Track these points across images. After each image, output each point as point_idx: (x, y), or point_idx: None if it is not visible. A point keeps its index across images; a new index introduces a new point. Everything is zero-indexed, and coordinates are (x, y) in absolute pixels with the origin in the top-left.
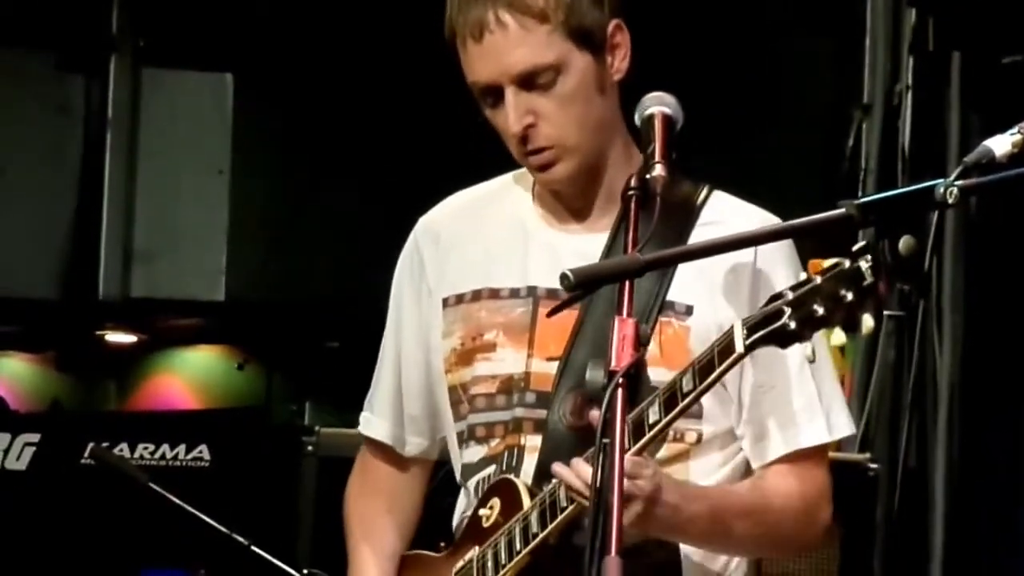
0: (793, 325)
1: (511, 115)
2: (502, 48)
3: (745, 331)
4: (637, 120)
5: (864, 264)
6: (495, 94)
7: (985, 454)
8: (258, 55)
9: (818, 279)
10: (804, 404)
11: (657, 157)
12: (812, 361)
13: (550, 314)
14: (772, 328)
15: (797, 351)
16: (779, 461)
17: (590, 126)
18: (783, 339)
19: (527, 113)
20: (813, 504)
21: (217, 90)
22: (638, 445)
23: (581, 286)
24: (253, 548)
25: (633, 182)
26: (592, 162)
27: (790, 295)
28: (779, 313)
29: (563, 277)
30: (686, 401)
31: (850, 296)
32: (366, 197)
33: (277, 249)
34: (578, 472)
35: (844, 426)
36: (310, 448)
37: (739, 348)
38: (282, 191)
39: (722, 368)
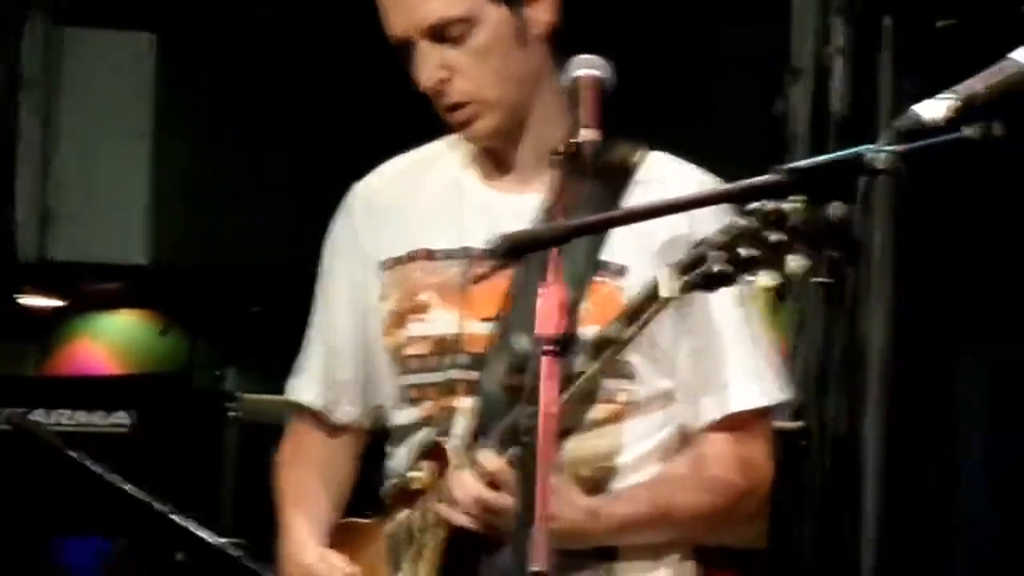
0: (719, 267)
1: (421, 69)
2: (412, 1)
3: (671, 275)
4: (564, 83)
5: (790, 206)
6: (410, 48)
7: (917, 420)
8: (182, 15)
9: (742, 222)
10: (737, 367)
11: (585, 120)
12: (741, 308)
13: (475, 281)
14: (699, 271)
15: (730, 314)
16: (716, 427)
17: (510, 80)
18: (710, 282)
19: (440, 67)
20: (756, 475)
21: (138, 50)
22: (565, 395)
23: (508, 253)
24: (173, 516)
25: (560, 147)
26: (516, 117)
27: (717, 238)
28: (705, 257)
29: (492, 243)
30: (613, 348)
31: (776, 237)
32: (292, 161)
33: (201, 213)
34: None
35: (779, 391)
36: (233, 415)
37: (666, 292)
38: (206, 154)
39: (649, 313)
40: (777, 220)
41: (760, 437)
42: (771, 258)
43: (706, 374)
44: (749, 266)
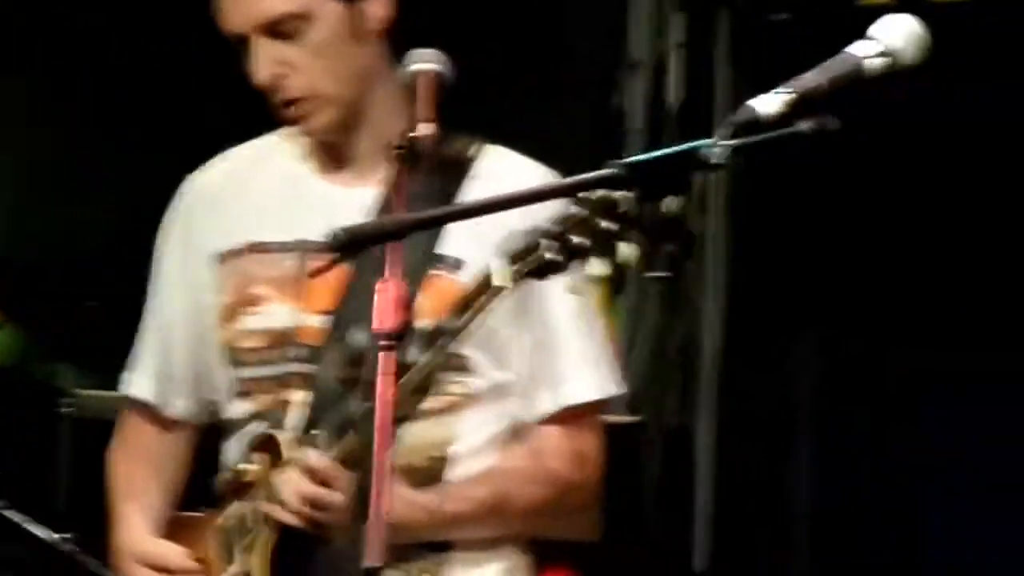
0: (550, 255)
1: (257, 65)
2: (245, 1)
3: (504, 264)
4: (401, 78)
5: (620, 195)
6: (246, 44)
7: (749, 413)
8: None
9: (575, 210)
10: (572, 361)
11: (422, 115)
12: (577, 295)
13: (313, 275)
14: (530, 259)
15: (567, 308)
16: (551, 420)
17: (346, 76)
18: (542, 270)
19: (276, 63)
20: (585, 468)
21: None
22: (399, 383)
23: (346, 248)
24: (4, 512)
25: (398, 141)
26: (353, 112)
27: (548, 227)
28: (537, 245)
29: (330, 237)
30: (445, 339)
31: (606, 225)
32: (127, 154)
33: (35, 207)
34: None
35: (613, 385)
36: (67, 410)
37: (500, 281)
38: (39, 146)
39: (482, 302)
40: (608, 208)
41: (593, 430)
42: (602, 246)
43: (542, 367)
44: (580, 254)
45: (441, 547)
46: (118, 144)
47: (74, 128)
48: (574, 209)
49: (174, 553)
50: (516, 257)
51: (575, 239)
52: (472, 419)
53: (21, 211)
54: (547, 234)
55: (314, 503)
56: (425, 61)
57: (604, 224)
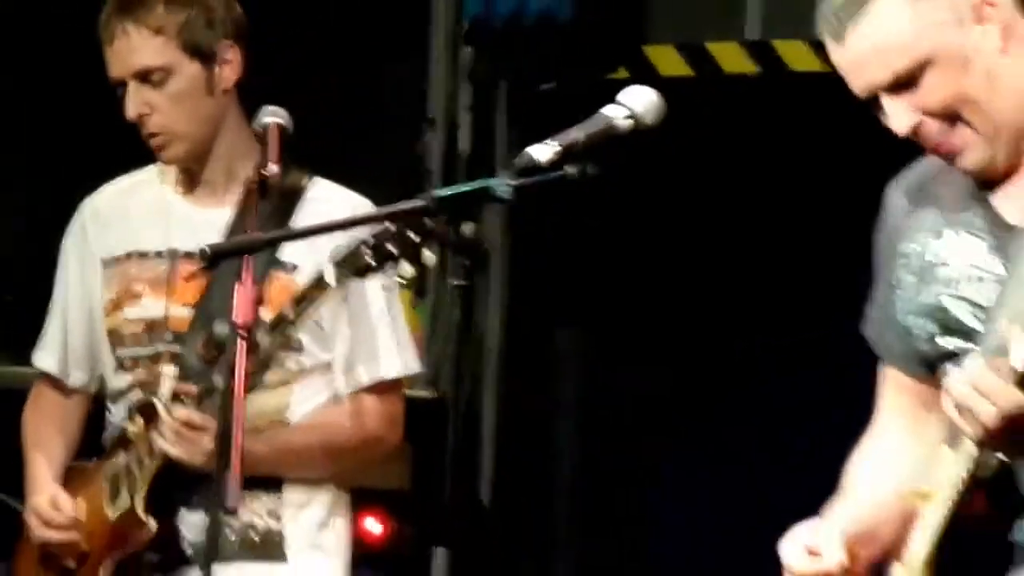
0: (369, 259)
1: (128, 104)
2: (124, 51)
3: (333, 266)
4: (256, 127)
5: (426, 216)
6: (123, 86)
7: (524, 397)
8: None
9: (391, 225)
10: (384, 344)
11: (271, 158)
12: (386, 291)
13: (187, 279)
14: (352, 263)
15: (381, 305)
16: (366, 389)
17: (197, 120)
18: (361, 271)
19: (142, 104)
20: (389, 431)
21: None
22: (259, 357)
23: (212, 260)
24: None
25: (253, 176)
26: (202, 148)
27: (368, 238)
28: (359, 251)
29: (201, 252)
30: (284, 326)
31: (413, 237)
32: (33, 169)
33: None
34: (186, 421)
35: (414, 364)
36: None
37: (329, 280)
38: None
39: (316, 298)
40: (414, 224)
41: (398, 399)
42: (410, 253)
43: (359, 348)
44: (392, 258)
45: (276, 486)
46: (26, 159)
47: None
48: (390, 225)
49: (62, 503)
50: (341, 261)
51: (389, 247)
52: (303, 390)
53: None
54: (366, 243)
55: (192, 425)
56: (273, 115)
57: (412, 236)
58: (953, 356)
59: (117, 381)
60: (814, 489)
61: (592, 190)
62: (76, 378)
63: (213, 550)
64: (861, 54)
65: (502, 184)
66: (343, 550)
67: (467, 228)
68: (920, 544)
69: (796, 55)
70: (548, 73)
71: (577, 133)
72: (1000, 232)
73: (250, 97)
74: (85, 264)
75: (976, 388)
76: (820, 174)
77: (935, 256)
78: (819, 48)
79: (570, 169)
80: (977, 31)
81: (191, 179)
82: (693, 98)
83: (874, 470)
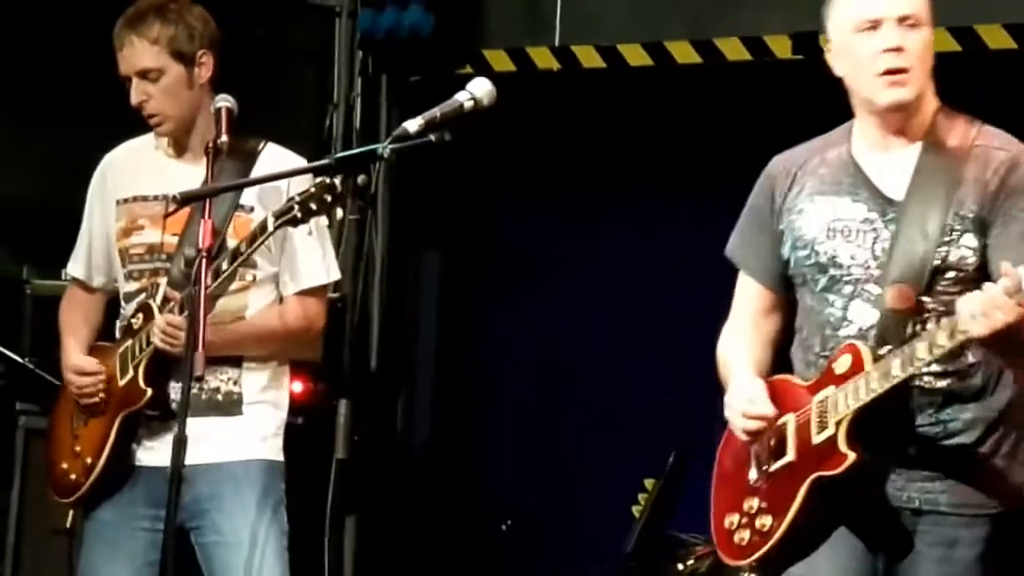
0: (298, 213)
1: (133, 94)
2: (129, 57)
3: (273, 217)
4: (211, 109)
5: (337, 182)
6: (130, 81)
7: (400, 296)
8: None
9: (312, 189)
10: (306, 261)
11: (222, 130)
12: (311, 234)
13: (166, 215)
14: (287, 216)
15: (305, 234)
16: (297, 293)
17: (182, 105)
18: (293, 222)
19: (142, 94)
20: (314, 321)
21: None
22: (216, 282)
23: (182, 202)
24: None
25: (210, 144)
26: (186, 124)
27: (298, 198)
28: (292, 207)
29: (174, 197)
30: (242, 257)
31: (329, 199)
32: (65, 133)
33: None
34: (169, 322)
35: (335, 273)
36: (28, 291)
37: (269, 227)
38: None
39: (261, 238)
40: (330, 189)
41: (321, 300)
42: (327, 210)
43: (290, 265)
44: (315, 214)
45: (237, 362)
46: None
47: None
48: (313, 189)
49: (91, 363)
50: (279, 214)
51: (311, 205)
52: (256, 295)
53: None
54: (298, 202)
55: (174, 326)
56: (223, 100)
57: (328, 198)
58: (809, 281)
59: (127, 287)
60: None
61: (445, 154)
62: (97, 281)
63: (186, 405)
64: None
65: (384, 148)
66: (283, 403)
67: (360, 179)
68: (840, 405)
69: (588, 57)
70: (416, 69)
71: (436, 111)
72: (880, 201)
73: (220, 86)
74: (104, 203)
75: (985, 305)
76: (608, 158)
77: (828, 211)
78: (606, 52)
79: (431, 136)
80: None
81: (178, 145)
82: (517, 88)
83: (745, 350)
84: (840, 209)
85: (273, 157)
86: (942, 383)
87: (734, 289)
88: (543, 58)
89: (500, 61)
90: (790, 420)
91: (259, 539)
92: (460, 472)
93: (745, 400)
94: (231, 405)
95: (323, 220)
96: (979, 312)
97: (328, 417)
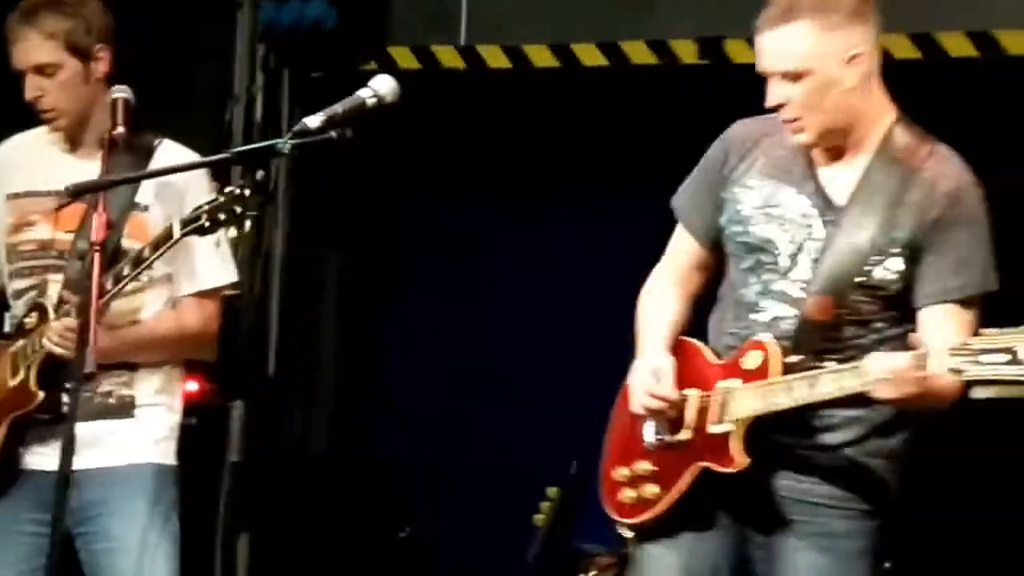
0: (205, 223)
1: (27, 89)
2: (24, 51)
3: (180, 224)
4: (107, 100)
5: (248, 194)
6: (24, 75)
7: (298, 295)
8: None
9: (222, 199)
10: (210, 260)
11: (118, 122)
12: (219, 245)
13: (58, 208)
14: (195, 225)
15: (205, 241)
16: (193, 295)
17: (77, 101)
18: (201, 231)
19: (37, 89)
20: (211, 323)
21: None
22: (117, 288)
23: (74, 194)
24: None
25: (106, 136)
26: (80, 119)
27: (206, 207)
28: (200, 216)
29: (66, 189)
30: (144, 264)
31: (239, 210)
32: None
33: None
34: (66, 327)
35: (231, 276)
36: None
37: (176, 234)
38: None
39: (167, 244)
40: (239, 199)
41: (217, 302)
42: (235, 221)
43: (188, 267)
44: (223, 224)
45: (131, 367)
46: None
47: None
48: (222, 199)
49: None
50: (187, 222)
51: (220, 216)
52: (151, 296)
53: None
54: (206, 211)
55: (69, 330)
56: (120, 92)
57: (238, 209)
58: (735, 256)
59: (16, 284)
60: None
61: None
62: None
63: (76, 406)
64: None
65: (285, 143)
66: (176, 406)
67: (259, 175)
68: (742, 410)
69: (494, 57)
70: (319, 65)
71: (338, 107)
72: (823, 202)
73: (117, 78)
74: None
75: (895, 373)
76: (512, 159)
77: (769, 196)
78: (511, 53)
79: (333, 133)
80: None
81: (72, 140)
82: (423, 85)
83: (662, 311)
84: (782, 196)
85: (170, 153)
86: None
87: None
88: (448, 57)
89: (405, 58)
90: (693, 397)
91: (149, 545)
92: (359, 476)
93: (651, 375)
94: (123, 408)
95: (232, 232)
96: (886, 379)
97: (223, 418)
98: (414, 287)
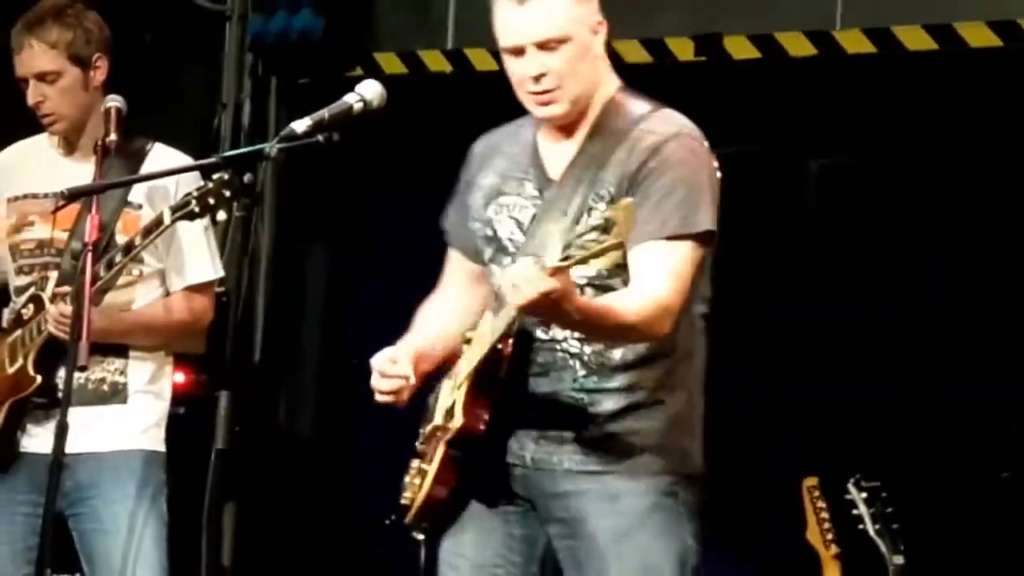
0: (196, 208)
1: (29, 95)
2: (27, 59)
3: (170, 211)
4: (101, 108)
5: (236, 179)
6: (26, 82)
7: (284, 292)
8: None
9: (210, 184)
10: (198, 256)
11: (110, 129)
12: (207, 229)
13: (55, 210)
14: (185, 210)
15: (197, 232)
16: (183, 289)
17: (76, 107)
18: (190, 216)
19: (39, 95)
20: (201, 317)
21: None
22: (109, 274)
23: (70, 198)
24: None
25: (99, 143)
26: (79, 124)
27: (195, 193)
28: (189, 202)
29: (61, 193)
30: (135, 250)
31: (227, 194)
32: None
33: None
34: (61, 312)
35: (220, 269)
36: None
37: (166, 220)
38: None
39: (158, 231)
40: (228, 184)
41: (204, 296)
42: (225, 205)
43: (177, 260)
44: (212, 209)
45: (123, 355)
46: None
47: None
48: (210, 185)
49: None
50: (176, 208)
51: (209, 200)
52: (143, 289)
53: None
54: (195, 196)
55: (65, 317)
56: (113, 100)
57: (225, 192)
58: (482, 252)
59: (17, 281)
60: None
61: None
62: None
63: (68, 394)
64: (536, 18)
65: (272, 147)
66: (166, 394)
67: (247, 177)
68: (464, 369)
69: (482, 60)
70: (306, 71)
71: (324, 112)
72: (542, 180)
73: (109, 87)
74: None
75: (519, 278)
76: None
77: (497, 188)
78: (499, 55)
79: (319, 137)
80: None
81: (70, 145)
82: (408, 90)
83: (434, 316)
84: (510, 186)
85: (160, 156)
86: (588, 349)
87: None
88: (435, 61)
89: (391, 64)
90: (444, 386)
91: (137, 527)
92: (343, 465)
93: (386, 359)
94: (116, 395)
95: (220, 216)
96: (513, 286)
97: (210, 408)
98: (395, 284)
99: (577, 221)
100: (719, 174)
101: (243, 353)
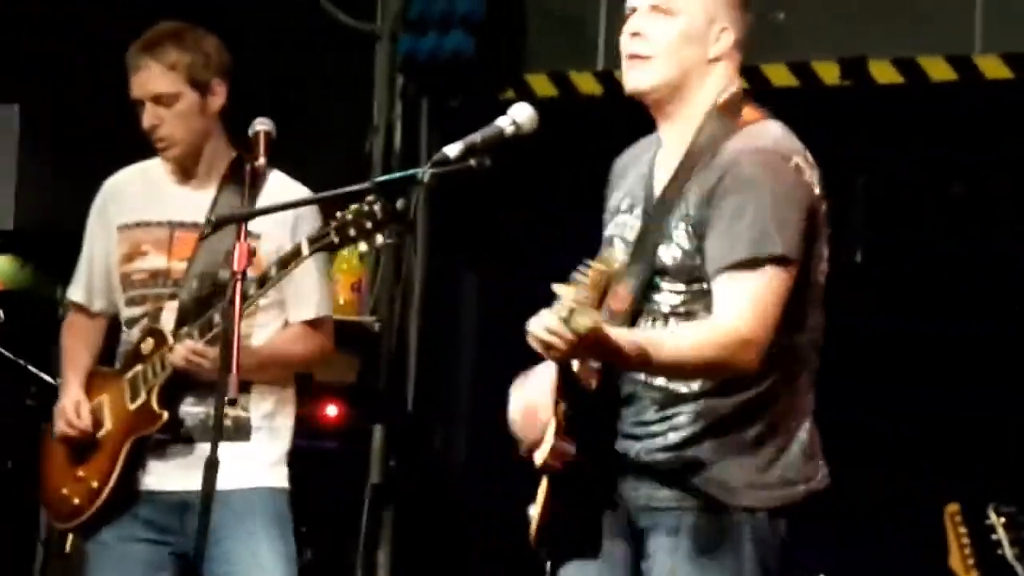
0: (335, 239)
1: (144, 118)
2: (144, 80)
3: (308, 242)
4: (250, 132)
5: (377, 208)
6: (142, 105)
7: (438, 321)
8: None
9: (349, 215)
10: (307, 295)
11: (260, 154)
12: (321, 257)
13: (201, 238)
14: (324, 241)
15: (312, 265)
16: (307, 323)
17: (192, 132)
18: (330, 247)
19: (154, 118)
20: (328, 349)
21: None
22: (250, 303)
23: (215, 226)
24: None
25: (250, 167)
26: (194, 150)
27: (334, 224)
28: (328, 233)
29: (208, 221)
30: (270, 282)
31: (368, 225)
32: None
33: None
34: (194, 349)
35: (325, 309)
36: (61, 312)
37: (304, 252)
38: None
39: (295, 262)
40: (369, 215)
41: (322, 331)
42: (365, 236)
43: (297, 294)
44: (352, 240)
45: (246, 386)
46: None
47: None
48: (350, 215)
49: (76, 417)
50: (315, 239)
51: (351, 231)
52: (261, 320)
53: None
54: (334, 226)
55: (199, 354)
56: (262, 124)
57: (368, 225)
58: None
59: (129, 312)
60: None
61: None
62: (98, 306)
63: (219, 430)
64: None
65: (424, 172)
66: (288, 429)
67: (399, 203)
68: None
69: None
70: (457, 93)
71: (476, 136)
72: (649, 199)
73: (258, 110)
74: (105, 228)
75: (546, 330)
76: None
77: (617, 207)
78: None
79: (472, 161)
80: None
81: (184, 171)
82: (559, 112)
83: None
84: (625, 204)
85: (281, 184)
86: (661, 380)
87: None
88: (586, 83)
89: (542, 85)
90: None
91: (267, 567)
92: (498, 501)
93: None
94: (239, 431)
95: (362, 248)
96: (540, 337)
97: (363, 441)
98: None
99: (664, 240)
100: (816, 191)
101: (395, 386)
